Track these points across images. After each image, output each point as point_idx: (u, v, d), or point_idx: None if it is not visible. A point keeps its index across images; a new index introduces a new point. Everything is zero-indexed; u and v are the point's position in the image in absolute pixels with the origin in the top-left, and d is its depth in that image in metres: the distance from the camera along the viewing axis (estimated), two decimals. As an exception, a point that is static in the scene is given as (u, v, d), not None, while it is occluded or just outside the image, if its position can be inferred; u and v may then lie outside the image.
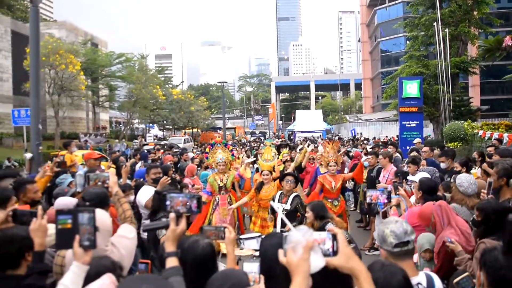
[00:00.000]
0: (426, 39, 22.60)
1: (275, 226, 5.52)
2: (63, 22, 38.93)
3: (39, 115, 8.42)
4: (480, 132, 12.86)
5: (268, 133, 50.63)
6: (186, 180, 7.65)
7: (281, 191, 5.72)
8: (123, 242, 2.55)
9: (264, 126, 68.08)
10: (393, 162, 7.84)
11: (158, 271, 2.38)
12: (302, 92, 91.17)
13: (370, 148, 11.54)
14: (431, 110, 20.56)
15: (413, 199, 4.63)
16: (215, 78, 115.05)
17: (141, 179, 6.21)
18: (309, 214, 4.00)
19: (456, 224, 3.25)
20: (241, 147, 18.10)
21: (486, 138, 12.15)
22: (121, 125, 52.58)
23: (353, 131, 35.93)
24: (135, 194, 5.29)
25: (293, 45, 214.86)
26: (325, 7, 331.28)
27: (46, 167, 4.64)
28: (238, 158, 11.78)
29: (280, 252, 1.41)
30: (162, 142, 27.73)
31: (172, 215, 1.97)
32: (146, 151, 13.74)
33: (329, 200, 6.68)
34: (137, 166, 9.45)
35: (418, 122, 15.14)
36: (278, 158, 8.46)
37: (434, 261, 3.37)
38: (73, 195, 4.14)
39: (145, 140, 34.58)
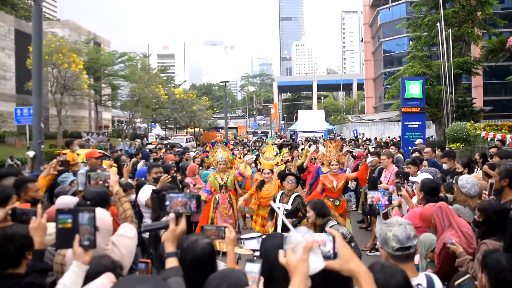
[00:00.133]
0: (429, 40, 22.54)
1: (275, 229, 5.51)
2: (66, 21, 39.02)
3: (42, 114, 8.43)
4: (483, 133, 12.82)
5: (270, 133, 50.59)
6: (188, 180, 7.65)
7: (282, 191, 5.72)
8: (123, 241, 2.56)
9: (266, 126, 68.08)
10: (395, 162, 7.82)
11: (157, 270, 2.38)
12: (305, 92, 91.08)
13: (372, 148, 11.52)
14: (433, 111, 20.51)
15: (414, 199, 4.62)
16: (217, 78, 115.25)
17: (143, 179, 6.22)
18: (310, 213, 4.00)
19: (457, 225, 3.24)
20: (242, 147, 18.08)
21: (489, 139, 12.11)
22: (123, 124, 52.70)
23: (355, 132, 35.85)
24: (137, 194, 5.30)
25: (296, 45, 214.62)
26: (328, 7, 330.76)
27: (52, 165, 4.65)
28: (240, 158, 11.78)
29: (280, 252, 1.41)
30: (165, 142, 27.76)
31: (171, 215, 1.96)
32: (148, 150, 13.74)
33: (331, 199, 6.67)
34: (139, 165, 9.45)
35: (420, 123, 15.08)
36: (278, 157, 8.47)
37: (435, 262, 3.37)
38: (74, 194, 4.14)
39: (147, 139, 34.64)
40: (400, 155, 9.58)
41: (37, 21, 8.24)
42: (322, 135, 34.50)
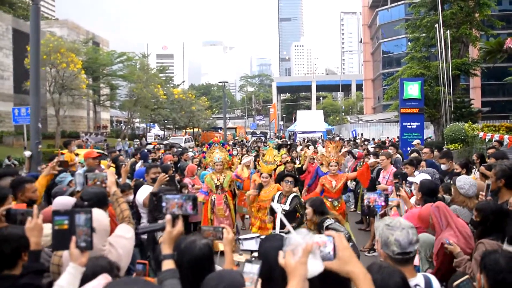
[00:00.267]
0: (428, 41, 22.59)
1: (274, 228, 5.51)
2: (64, 20, 38.97)
3: (39, 113, 8.39)
4: (481, 134, 12.84)
5: (269, 133, 50.60)
6: (186, 180, 7.63)
7: (280, 192, 5.71)
8: (120, 242, 2.55)
9: (265, 126, 68.09)
10: (393, 163, 7.82)
11: (155, 272, 2.37)
12: (303, 93, 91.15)
13: (372, 148, 11.53)
14: (432, 112, 20.54)
15: (413, 200, 4.62)
16: (216, 78, 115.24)
17: (141, 179, 6.20)
18: (308, 210, 4.00)
19: (455, 225, 3.24)
20: (240, 147, 18.07)
21: (487, 140, 12.13)
22: (122, 124, 52.66)
23: (354, 132, 35.92)
24: (135, 194, 5.28)
25: (295, 46, 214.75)
26: (327, 8, 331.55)
27: (53, 164, 4.64)
28: (239, 158, 11.78)
29: (280, 253, 1.40)
30: (165, 142, 27.76)
31: (168, 217, 1.95)
32: (146, 150, 13.73)
33: (329, 200, 6.66)
34: (137, 166, 9.44)
35: (419, 124, 15.11)
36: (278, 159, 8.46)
37: (433, 263, 3.36)
38: (71, 194, 4.12)
39: (146, 140, 34.61)
40: (398, 155, 9.59)
41: (35, 20, 8.20)
42: (321, 136, 34.54)
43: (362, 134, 34.16)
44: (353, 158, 11.40)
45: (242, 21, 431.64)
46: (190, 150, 18.52)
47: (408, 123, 15.15)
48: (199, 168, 9.80)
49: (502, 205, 3.47)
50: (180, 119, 41.07)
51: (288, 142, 18.69)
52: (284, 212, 5.44)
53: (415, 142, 12.37)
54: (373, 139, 28.24)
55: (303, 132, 37.41)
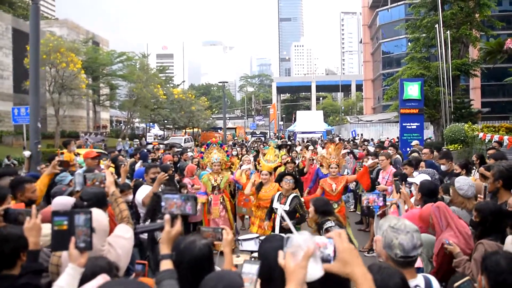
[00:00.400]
0: (428, 41, 22.60)
1: (273, 229, 5.50)
2: (64, 20, 38.95)
3: (39, 113, 8.38)
4: (481, 135, 12.83)
5: (268, 134, 50.60)
6: (186, 180, 7.63)
7: (280, 192, 5.71)
8: (119, 242, 2.54)
9: (264, 126, 68.08)
10: (393, 163, 7.82)
11: (153, 272, 2.37)
12: (303, 93, 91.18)
13: (372, 148, 11.53)
14: (432, 112, 20.54)
15: (412, 200, 4.62)
16: (216, 78, 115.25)
17: (141, 179, 6.20)
18: (310, 209, 3.99)
19: (455, 226, 3.23)
20: (240, 147, 18.06)
21: (487, 140, 12.12)
22: (121, 124, 52.65)
23: (353, 132, 35.92)
24: (134, 194, 5.28)
25: (295, 46, 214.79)
26: (327, 8, 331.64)
27: (55, 163, 4.64)
28: (238, 157, 11.77)
29: (280, 254, 1.39)
30: (165, 142, 27.75)
31: (166, 216, 1.94)
32: (146, 150, 13.73)
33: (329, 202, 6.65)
34: (137, 166, 9.43)
35: (418, 124, 15.09)
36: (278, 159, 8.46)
37: (433, 263, 3.36)
38: (70, 194, 4.11)
39: (146, 140, 34.59)
40: (398, 156, 9.59)
41: (34, 20, 8.20)
42: (321, 136, 34.54)
43: (362, 135, 34.15)
44: (354, 159, 11.41)
45: (242, 21, 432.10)
46: (190, 150, 18.51)
47: (408, 124, 15.14)
48: (198, 168, 9.80)
49: (501, 205, 3.48)
50: (179, 119, 41.05)
51: (288, 143, 18.69)
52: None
53: (414, 142, 12.37)
54: (372, 139, 28.22)
55: (302, 133, 37.41)
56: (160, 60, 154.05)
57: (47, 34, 26.48)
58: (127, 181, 5.69)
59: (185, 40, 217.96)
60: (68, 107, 27.40)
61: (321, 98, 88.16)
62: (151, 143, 27.10)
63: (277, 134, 50.74)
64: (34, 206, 2.34)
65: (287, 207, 5.42)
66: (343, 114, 65.92)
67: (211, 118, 53.82)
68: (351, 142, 21.16)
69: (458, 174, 5.75)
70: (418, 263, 2.64)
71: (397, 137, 20.14)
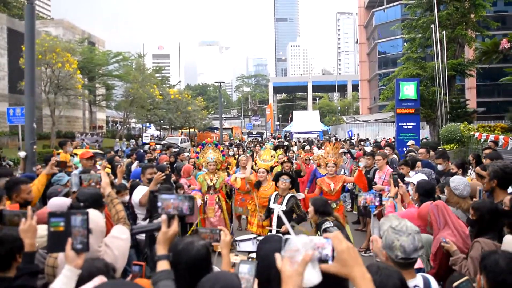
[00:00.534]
0: (424, 41, 22.69)
1: (271, 226, 5.50)
2: (60, 20, 38.79)
3: (34, 114, 8.34)
4: (476, 134, 12.91)
5: (265, 134, 50.61)
6: (182, 180, 7.61)
7: (276, 192, 5.71)
8: (116, 243, 2.53)
9: (261, 126, 68.04)
10: (389, 163, 7.83)
11: (152, 271, 2.36)
12: (300, 93, 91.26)
13: (368, 148, 11.56)
14: (428, 112, 20.62)
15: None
16: (212, 78, 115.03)
17: (137, 180, 6.17)
18: (310, 209, 3.99)
19: (453, 225, 3.24)
20: (236, 148, 18.04)
21: (482, 140, 12.19)
22: (117, 125, 52.44)
23: (350, 132, 35.98)
24: (131, 195, 5.25)
25: (291, 46, 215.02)
26: (323, 9, 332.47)
27: (53, 162, 4.61)
28: (235, 157, 11.76)
29: (278, 256, 1.37)
30: (163, 142, 27.69)
31: (163, 217, 1.93)
32: (142, 151, 13.69)
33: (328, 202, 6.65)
34: (133, 166, 9.40)
35: (415, 124, 15.13)
36: (274, 159, 8.45)
37: (430, 262, 3.36)
38: (66, 195, 4.09)
39: (142, 140, 34.51)
40: (394, 156, 9.61)
41: (29, 20, 8.15)
42: (317, 136, 34.60)
43: (358, 135, 34.24)
44: (351, 158, 11.43)
45: (238, 21, 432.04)
46: (186, 150, 18.48)
47: (404, 124, 15.17)
48: (194, 169, 9.78)
49: (497, 204, 3.50)
50: (176, 119, 40.98)
51: (285, 143, 18.69)
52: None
53: (410, 142, 12.41)
54: (367, 139, 28.25)
55: (299, 133, 37.48)
56: (156, 60, 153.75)
57: (43, 34, 26.38)
58: (123, 181, 5.67)
59: (181, 40, 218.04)
60: (64, 108, 27.28)
61: (317, 98, 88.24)
62: (148, 144, 27.04)
63: (274, 134, 50.71)
64: (29, 207, 2.32)
65: (283, 207, 5.41)
66: (339, 114, 66.04)
67: (208, 118, 53.76)
68: (348, 142, 21.19)
69: (454, 174, 5.76)
70: (419, 264, 2.63)
71: (393, 137, 20.20)
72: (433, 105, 20.28)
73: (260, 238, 3.98)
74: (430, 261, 3.42)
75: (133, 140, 32.72)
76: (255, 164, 8.37)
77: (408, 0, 25.78)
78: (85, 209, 2.12)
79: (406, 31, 24.76)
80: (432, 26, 19.31)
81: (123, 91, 34.85)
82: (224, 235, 2.29)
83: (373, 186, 7.11)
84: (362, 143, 20.46)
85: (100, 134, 32.85)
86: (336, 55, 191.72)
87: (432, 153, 8.57)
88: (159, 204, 1.94)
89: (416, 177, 4.81)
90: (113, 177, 5.50)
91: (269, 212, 5.69)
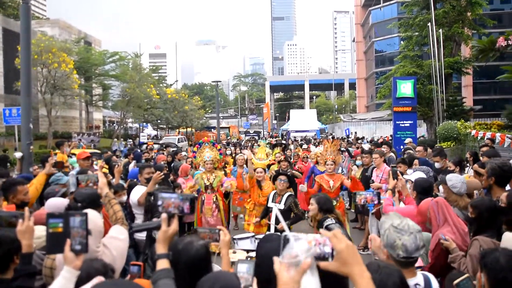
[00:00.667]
0: (420, 40, 22.74)
1: (269, 228, 5.50)
2: (56, 20, 38.62)
3: (30, 114, 8.28)
4: (473, 132, 12.95)
5: (262, 133, 50.62)
6: (180, 180, 7.59)
7: (274, 191, 5.70)
8: (114, 243, 2.52)
9: (258, 125, 68.10)
10: (387, 161, 7.84)
11: (152, 270, 2.36)
12: (297, 92, 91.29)
13: (366, 146, 11.57)
14: (424, 110, 20.68)
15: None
16: (209, 77, 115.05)
17: (135, 180, 6.15)
18: (313, 207, 3.98)
19: (453, 222, 3.24)
20: (234, 147, 18.05)
21: (479, 137, 12.22)
22: (114, 125, 52.32)
23: (347, 131, 36.02)
24: (128, 195, 5.24)
25: (288, 45, 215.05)
26: (320, 7, 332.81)
27: (52, 160, 4.60)
28: (232, 156, 11.74)
29: (276, 260, 1.35)
30: (161, 142, 27.63)
31: (163, 215, 1.92)
32: (139, 150, 13.67)
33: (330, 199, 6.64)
34: (130, 166, 9.37)
35: (412, 122, 15.18)
36: (271, 157, 8.45)
37: (428, 259, 3.37)
38: (64, 195, 4.07)
39: (139, 140, 34.42)
40: (392, 154, 9.62)
41: (25, 20, 8.09)
42: (314, 135, 34.63)
43: (355, 133, 34.29)
44: (349, 157, 11.45)
45: (235, 20, 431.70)
46: (183, 150, 18.46)
47: (401, 122, 15.21)
48: (191, 168, 9.76)
49: (495, 202, 3.50)
50: (173, 119, 40.90)
51: (283, 141, 18.73)
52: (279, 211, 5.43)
53: (407, 140, 12.44)
54: (363, 137, 28.27)
55: (296, 131, 37.49)
56: (153, 59, 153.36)
57: (39, 34, 26.24)
58: (121, 181, 5.65)
59: (178, 39, 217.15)
60: (60, 108, 27.16)
61: (314, 97, 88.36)
62: (146, 143, 26.99)
63: (271, 133, 50.76)
64: (26, 209, 2.30)
65: (282, 206, 5.41)
66: (336, 112, 66.11)
67: (205, 118, 53.68)
68: (345, 140, 21.22)
69: (452, 172, 5.77)
70: (419, 262, 2.63)
71: (391, 135, 20.24)
72: (430, 103, 20.34)
73: (258, 236, 3.98)
74: (428, 258, 3.43)
75: (131, 140, 32.61)
76: (252, 163, 8.35)
77: (404, -1, 25.87)
78: (82, 209, 2.11)
79: (402, 30, 24.81)
80: (429, 24, 19.35)
81: (119, 91, 34.71)
82: (224, 234, 2.29)
83: (370, 184, 7.12)
84: (359, 141, 20.48)
85: (97, 134, 32.75)
86: (333, 53, 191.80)
87: (429, 151, 8.58)
88: (160, 202, 1.93)
89: (414, 175, 4.82)
90: (111, 177, 5.47)
91: (267, 211, 5.68)
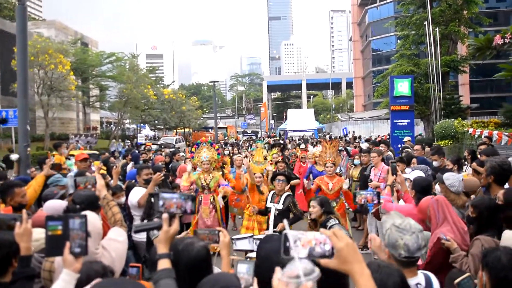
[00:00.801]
0: (417, 38, 22.82)
1: (268, 228, 5.49)
2: (52, 21, 38.49)
3: (27, 116, 8.26)
4: (470, 130, 12.99)
5: (260, 133, 50.61)
6: (178, 181, 7.57)
7: (273, 191, 5.70)
8: (113, 245, 2.51)
9: (256, 125, 68.08)
10: (384, 160, 7.85)
11: (150, 272, 2.35)
12: (294, 91, 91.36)
13: (365, 146, 11.57)
14: (422, 109, 20.73)
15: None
16: (206, 78, 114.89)
17: (133, 181, 6.13)
18: (316, 209, 3.99)
19: (452, 221, 3.24)
20: (232, 147, 18.03)
21: (476, 136, 12.26)
22: (112, 126, 52.19)
23: (344, 130, 36.05)
24: (126, 196, 5.22)
25: (285, 44, 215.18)
26: (316, 6, 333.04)
27: (50, 162, 4.58)
28: (230, 156, 11.73)
29: (275, 275, 1.30)
30: (159, 142, 27.60)
31: (165, 215, 1.92)
32: (137, 151, 13.66)
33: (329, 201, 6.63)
34: (128, 167, 9.35)
35: (409, 121, 15.20)
36: (268, 159, 8.43)
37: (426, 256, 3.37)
38: (62, 197, 4.05)
39: (137, 140, 34.38)
40: (390, 153, 9.63)
41: (21, 21, 8.06)
42: (312, 134, 34.64)
43: (353, 132, 34.32)
44: (347, 156, 11.46)
45: (231, 20, 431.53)
46: (182, 151, 18.44)
47: (399, 120, 15.23)
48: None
49: (495, 200, 3.51)
50: (170, 119, 40.85)
51: (281, 142, 18.72)
52: (277, 212, 5.43)
53: (406, 139, 12.45)
54: (360, 136, 28.28)
55: (294, 131, 37.49)
56: (150, 60, 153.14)
57: (35, 35, 26.14)
58: (119, 183, 5.63)
59: (174, 39, 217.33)
60: (57, 109, 27.05)
61: (311, 96, 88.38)
62: (144, 144, 26.93)
63: (269, 133, 50.75)
64: (24, 211, 2.29)
65: (280, 206, 5.41)
66: (334, 111, 66.18)
67: (202, 118, 53.63)
68: (343, 139, 21.24)
69: (450, 170, 5.78)
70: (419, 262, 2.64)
71: (388, 134, 20.27)
72: (427, 102, 20.39)
73: (257, 237, 3.98)
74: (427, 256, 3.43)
75: (129, 141, 32.55)
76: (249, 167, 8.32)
77: (401, -3, 25.92)
78: (81, 211, 2.10)
79: (399, 28, 24.88)
80: (425, 23, 19.40)
81: (117, 91, 34.60)
82: (223, 236, 2.28)
83: (369, 184, 7.13)
84: (357, 140, 20.51)
85: (94, 135, 32.67)
86: (329, 53, 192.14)
87: (427, 149, 8.60)
88: (161, 203, 1.92)
89: (413, 173, 4.82)
90: (109, 178, 5.45)
91: (265, 212, 5.68)
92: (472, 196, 4.08)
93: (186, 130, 46.62)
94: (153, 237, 3.73)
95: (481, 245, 2.80)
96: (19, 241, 2.15)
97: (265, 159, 7.64)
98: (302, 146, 14.30)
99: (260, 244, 1.82)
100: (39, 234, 2.46)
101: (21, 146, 7.79)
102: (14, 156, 7.59)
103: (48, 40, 26.26)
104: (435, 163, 6.86)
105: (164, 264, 1.83)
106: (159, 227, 1.93)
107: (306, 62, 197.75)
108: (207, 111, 71.33)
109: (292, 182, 7.68)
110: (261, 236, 3.62)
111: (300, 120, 40.62)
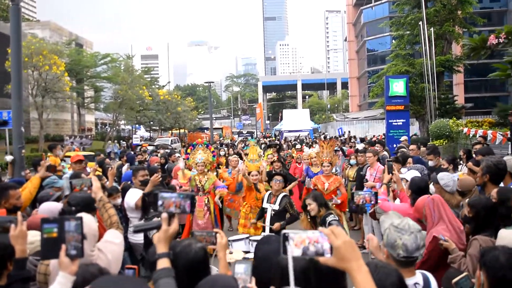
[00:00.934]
0: (412, 38, 22.91)
1: (264, 230, 5.48)
2: (46, 22, 38.28)
3: (22, 117, 8.20)
4: (465, 130, 13.05)
5: (255, 133, 50.61)
6: (174, 182, 7.54)
7: (269, 192, 5.69)
8: (109, 247, 2.50)
9: (251, 126, 68.11)
10: (380, 160, 7.86)
11: (146, 272, 2.34)
12: (289, 92, 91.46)
13: (360, 146, 11.59)
14: (417, 108, 20.82)
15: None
16: (202, 78, 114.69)
17: (129, 182, 6.10)
18: (312, 206, 3.98)
19: (448, 220, 3.25)
20: (227, 147, 17.98)
21: (471, 135, 12.33)
22: (107, 127, 52.02)
23: (340, 130, 36.16)
24: (122, 198, 5.19)
25: (280, 45, 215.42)
26: (311, 7, 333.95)
27: (45, 163, 4.54)
28: (225, 156, 11.70)
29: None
30: (155, 143, 27.52)
31: (164, 215, 1.91)
32: (132, 153, 13.60)
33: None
34: (124, 169, 9.30)
35: (404, 120, 15.26)
36: (263, 157, 8.42)
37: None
38: (58, 199, 4.02)
39: (132, 141, 34.26)
40: (385, 152, 9.66)
41: (15, 22, 8.00)
42: (307, 135, 34.70)
43: (349, 132, 34.41)
44: (343, 156, 11.48)
45: (227, 20, 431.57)
46: (177, 151, 18.40)
47: (394, 120, 15.28)
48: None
49: (491, 199, 3.53)
50: (166, 120, 40.76)
51: (277, 142, 18.72)
52: (274, 212, 5.42)
53: (403, 138, 12.49)
54: (354, 136, 28.32)
55: (289, 131, 37.53)
56: (145, 61, 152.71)
57: (29, 36, 26.00)
58: (114, 184, 5.60)
59: (170, 40, 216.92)
60: (52, 111, 26.89)
61: (307, 97, 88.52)
62: (140, 145, 26.82)
63: (264, 133, 50.75)
64: (19, 213, 2.27)
65: (276, 207, 5.40)
66: (329, 112, 66.34)
67: (198, 119, 53.57)
68: (339, 139, 21.28)
69: (445, 170, 5.80)
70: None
71: (383, 134, 20.34)
72: (422, 102, 20.49)
73: (253, 238, 3.97)
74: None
75: (124, 142, 32.44)
76: (246, 166, 8.30)
77: (395, -2, 26.03)
78: (76, 213, 2.08)
79: (394, 29, 24.97)
80: (420, 23, 19.50)
81: (111, 92, 34.47)
82: (220, 237, 2.28)
83: (364, 184, 7.14)
84: (353, 140, 20.56)
85: (89, 136, 32.52)
86: (325, 53, 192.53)
87: (422, 149, 8.63)
88: (160, 202, 1.91)
89: (409, 173, 4.82)
90: (105, 180, 5.42)
91: (262, 212, 5.67)
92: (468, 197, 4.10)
93: (182, 131, 46.54)
94: (150, 236, 3.72)
95: (479, 245, 2.81)
96: (14, 243, 2.13)
97: (260, 156, 7.62)
98: (298, 146, 14.32)
99: (258, 246, 1.82)
100: (33, 236, 2.44)
101: (16, 148, 7.73)
102: (8, 158, 7.53)
103: (42, 41, 26.12)
104: (430, 163, 6.89)
105: (163, 263, 1.83)
106: (158, 227, 1.92)
107: (301, 62, 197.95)
108: (202, 112, 71.27)
109: (289, 186, 7.68)
110: (258, 238, 3.60)
111: (296, 120, 40.66)
